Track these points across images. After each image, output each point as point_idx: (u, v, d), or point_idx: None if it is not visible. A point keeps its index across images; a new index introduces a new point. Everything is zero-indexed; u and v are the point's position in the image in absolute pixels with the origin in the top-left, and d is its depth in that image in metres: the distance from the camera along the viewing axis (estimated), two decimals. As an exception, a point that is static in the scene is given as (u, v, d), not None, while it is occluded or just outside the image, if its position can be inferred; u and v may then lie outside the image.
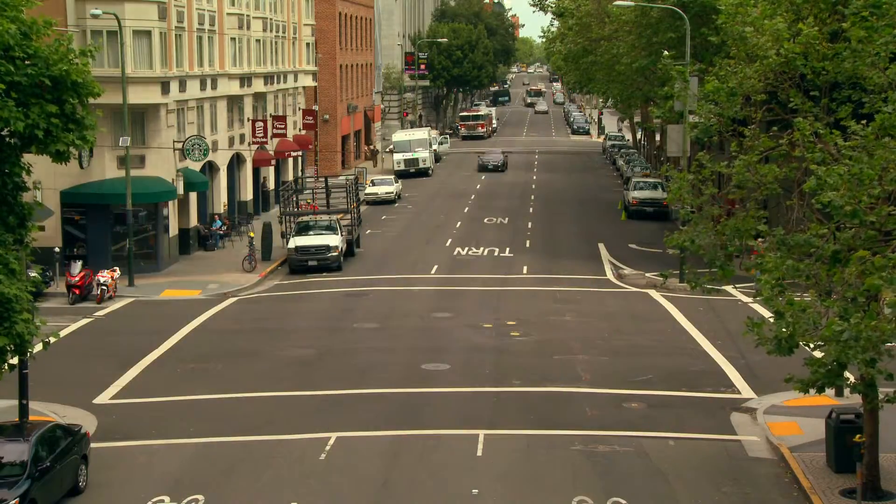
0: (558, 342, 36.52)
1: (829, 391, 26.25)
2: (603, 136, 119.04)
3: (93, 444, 25.18)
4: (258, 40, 63.96)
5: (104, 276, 43.43)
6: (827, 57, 25.25)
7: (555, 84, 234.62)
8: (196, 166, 52.86)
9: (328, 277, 48.85)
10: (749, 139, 25.45)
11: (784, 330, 20.79)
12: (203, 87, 55.03)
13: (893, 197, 21.29)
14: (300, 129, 75.79)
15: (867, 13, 24.08)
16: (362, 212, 63.12)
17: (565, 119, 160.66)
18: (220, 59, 57.90)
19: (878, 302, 20.91)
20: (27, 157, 23.40)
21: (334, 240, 50.59)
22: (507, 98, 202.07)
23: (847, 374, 21.68)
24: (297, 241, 50.46)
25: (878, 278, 19.06)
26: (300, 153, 74.13)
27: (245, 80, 61.35)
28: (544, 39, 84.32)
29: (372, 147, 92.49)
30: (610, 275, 49.68)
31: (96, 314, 41.03)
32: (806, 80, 26.48)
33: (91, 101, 22.94)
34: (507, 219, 65.82)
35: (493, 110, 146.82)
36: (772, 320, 21.61)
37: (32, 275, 25.96)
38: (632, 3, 54.98)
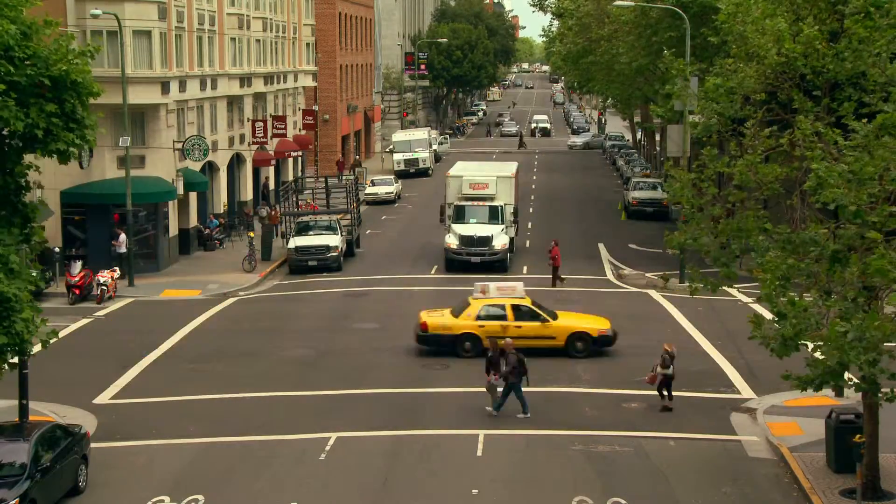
0: (558, 342, 36.44)
1: (829, 391, 26.25)
2: (603, 136, 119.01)
3: (93, 444, 25.16)
4: (258, 40, 63.91)
5: (104, 276, 43.41)
6: (827, 56, 25.22)
7: (555, 84, 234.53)
8: (196, 166, 52.83)
9: (328, 277, 48.82)
10: (749, 138, 25.40)
11: (790, 328, 20.78)
12: (203, 87, 55.00)
13: (894, 197, 21.28)
14: (300, 129, 75.76)
15: (867, 14, 24.06)
16: (362, 212, 63.11)
17: (565, 119, 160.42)
18: (220, 59, 57.87)
19: (879, 301, 20.91)
20: (29, 158, 23.41)
21: (334, 240, 50.57)
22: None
23: (847, 374, 21.67)
24: (297, 242, 50.45)
25: (887, 263, 19.06)
26: (300, 153, 74.10)
27: (245, 80, 61.31)
28: (545, 39, 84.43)
29: (356, 160, 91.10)
30: (610, 275, 49.66)
31: (96, 314, 41.00)
32: (806, 80, 26.46)
33: (91, 101, 22.94)
34: (507, 219, 65.58)
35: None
36: (772, 319, 21.60)
37: (33, 274, 25.95)
38: (631, 3, 54.93)
